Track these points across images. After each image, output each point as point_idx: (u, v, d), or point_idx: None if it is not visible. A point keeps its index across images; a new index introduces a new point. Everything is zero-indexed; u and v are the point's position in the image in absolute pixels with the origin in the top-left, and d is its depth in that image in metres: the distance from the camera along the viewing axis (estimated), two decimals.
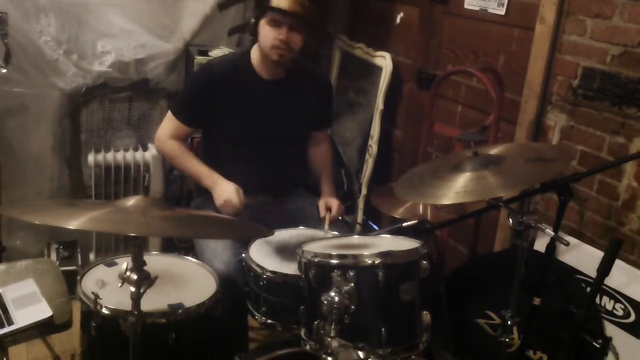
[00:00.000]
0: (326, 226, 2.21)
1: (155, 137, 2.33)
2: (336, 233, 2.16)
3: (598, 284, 1.76)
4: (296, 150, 2.41)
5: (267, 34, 2.11)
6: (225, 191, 2.14)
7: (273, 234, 1.84)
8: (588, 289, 2.00)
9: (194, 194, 2.55)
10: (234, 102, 2.22)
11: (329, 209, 2.29)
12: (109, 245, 3.05)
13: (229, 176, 2.22)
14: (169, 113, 2.30)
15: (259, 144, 2.26)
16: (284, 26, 2.09)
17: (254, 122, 2.25)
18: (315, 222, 2.28)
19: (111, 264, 1.90)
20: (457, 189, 1.62)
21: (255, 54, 2.24)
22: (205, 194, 2.31)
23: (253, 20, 2.15)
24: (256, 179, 2.26)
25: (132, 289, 1.46)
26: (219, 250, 2.07)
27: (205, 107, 2.22)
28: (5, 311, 1.82)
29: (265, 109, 2.25)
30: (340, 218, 2.31)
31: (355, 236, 2.04)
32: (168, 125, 2.29)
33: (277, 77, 2.25)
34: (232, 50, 3.06)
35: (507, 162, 1.71)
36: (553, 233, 1.71)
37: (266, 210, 2.28)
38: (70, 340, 2.26)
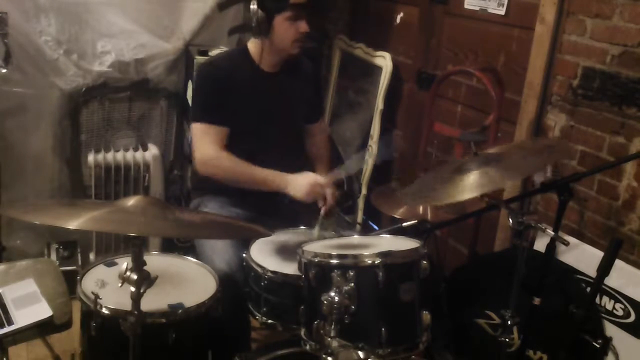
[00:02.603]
0: (320, 219, 2.08)
1: (198, 161, 2.15)
2: (325, 234, 2.10)
3: (598, 284, 1.76)
4: (296, 146, 2.40)
5: (288, 29, 2.12)
6: (306, 177, 2.08)
7: (273, 234, 1.84)
8: (588, 289, 2.00)
9: (191, 194, 2.54)
10: (239, 96, 2.20)
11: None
12: (109, 245, 3.05)
13: None
14: (198, 126, 2.15)
15: (263, 138, 2.25)
16: (303, 19, 2.12)
17: (258, 115, 2.24)
18: (310, 219, 2.27)
19: (111, 264, 1.90)
20: (464, 186, 1.62)
21: (255, 48, 2.23)
22: (204, 194, 2.31)
23: (262, 15, 2.09)
24: None
25: (132, 289, 1.46)
26: (218, 249, 2.07)
27: (223, 101, 2.17)
28: (5, 311, 1.82)
29: (267, 101, 2.25)
30: (338, 213, 2.27)
31: (355, 236, 2.03)
32: (206, 139, 2.14)
33: (276, 70, 2.26)
34: None
35: (508, 158, 1.71)
36: (553, 233, 1.71)
37: (264, 210, 2.27)
38: (70, 340, 2.26)
